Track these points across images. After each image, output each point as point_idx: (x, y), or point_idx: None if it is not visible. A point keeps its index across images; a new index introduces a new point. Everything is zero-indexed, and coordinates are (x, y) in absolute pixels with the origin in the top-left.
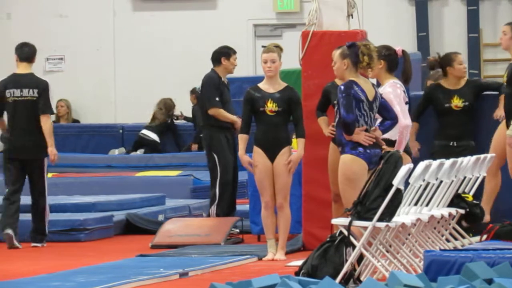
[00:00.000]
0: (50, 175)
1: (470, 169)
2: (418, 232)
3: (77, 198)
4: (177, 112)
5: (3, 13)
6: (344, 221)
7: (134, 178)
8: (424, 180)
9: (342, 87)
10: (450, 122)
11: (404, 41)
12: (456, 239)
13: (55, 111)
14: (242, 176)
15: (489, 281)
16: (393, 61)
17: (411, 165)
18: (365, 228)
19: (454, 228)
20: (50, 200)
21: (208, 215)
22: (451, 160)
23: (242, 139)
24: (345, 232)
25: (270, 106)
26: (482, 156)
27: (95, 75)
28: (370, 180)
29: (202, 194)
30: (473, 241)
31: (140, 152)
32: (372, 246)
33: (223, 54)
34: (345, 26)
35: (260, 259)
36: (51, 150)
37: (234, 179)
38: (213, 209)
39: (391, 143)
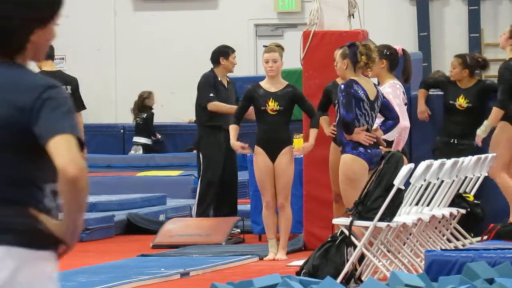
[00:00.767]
0: None
1: (471, 169)
2: (419, 232)
3: None
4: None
5: None
6: (345, 221)
7: (135, 178)
8: (425, 180)
9: (342, 86)
10: (453, 121)
11: (405, 41)
12: (457, 239)
13: None
14: (243, 176)
15: (490, 281)
16: (394, 60)
17: (412, 165)
18: (366, 228)
19: (455, 228)
20: None
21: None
22: (452, 160)
23: (233, 129)
24: (346, 232)
25: (272, 105)
26: (483, 156)
27: (96, 75)
28: (371, 180)
29: None
30: (474, 241)
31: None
32: (373, 246)
33: (221, 54)
34: (346, 26)
35: (261, 259)
36: None
37: (230, 178)
38: (194, 208)
39: (388, 143)
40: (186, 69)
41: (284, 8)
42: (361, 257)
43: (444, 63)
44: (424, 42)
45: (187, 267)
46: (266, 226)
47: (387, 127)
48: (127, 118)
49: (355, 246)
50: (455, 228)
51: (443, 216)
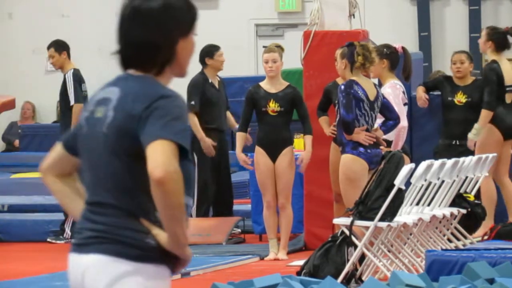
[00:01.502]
0: None
1: (472, 169)
2: (420, 232)
3: None
4: None
5: (4, 12)
6: (346, 221)
7: None
8: (425, 180)
9: (342, 87)
10: (453, 119)
11: (405, 41)
12: (457, 239)
13: (55, 111)
14: (243, 176)
15: (491, 281)
16: (395, 59)
17: (412, 165)
18: (367, 227)
19: (455, 228)
20: (53, 200)
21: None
22: (453, 159)
23: (240, 137)
24: (347, 232)
25: (272, 106)
26: (483, 156)
27: (97, 75)
28: (372, 180)
29: None
30: (475, 241)
31: None
32: (374, 246)
33: (206, 54)
34: (346, 26)
35: (262, 258)
36: None
37: (224, 179)
38: (193, 210)
39: (388, 143)
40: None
41: (285, 8)
42: (362, 257)
43: (445, 63)
44: (425, 42)
45: (188, 267)
46: (266, 226)
47: (387, 128)
48: None
49: (355, 246)
50: (455, 228)
51: (444, 216)
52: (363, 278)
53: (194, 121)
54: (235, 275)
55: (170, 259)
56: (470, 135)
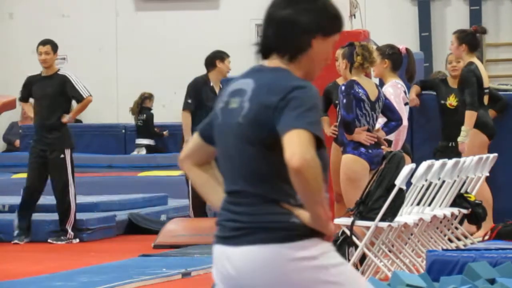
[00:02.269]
0: None
1: (473, 169)
2: (421, 232)
3: (79, 198)
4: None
5: (5, 13)
6: (347, 221)
7: (136, 178)
8: (426, 180)
9: (343, 87)
10: (447, 121)
11: (406, 41)
12: (458, 239)
13: None
14: None
15: (492, 281)
16: (397, 60)
17: (413, 165)
18: (368, 228)
19: (456, 228)
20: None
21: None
22: (454, 160)
23: None
24: (348, 232)
25: None
26: (484, 156)
27: (97, 75)
28: (373, 180)
29: None
30: (475, 241)
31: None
32: (375, 246)
33: (217, 57)
34: (347, 26)
35: None
36: None
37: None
38: (190, 210)
39: (389, 143)
40: (188, 69)
41: None
42: (363, 257)
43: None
44: (426, 42)
45: (189, 267)
46: None
47: (389, 129)
48: (129, 118)
49: (356, 246)
50: (456, 228)
51: (445, 216)
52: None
53: (187, 120)
54: None
55: (317, 233)
56: (459, 139)
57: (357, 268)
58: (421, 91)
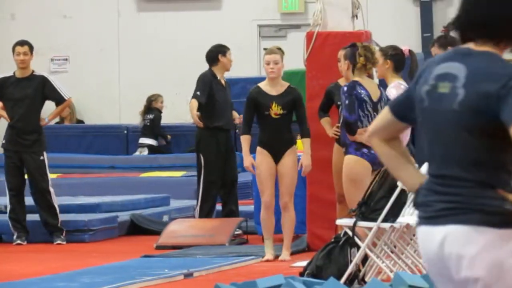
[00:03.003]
0: (54, 175)
1: None
2: None
3: (81, 199)
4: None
5: (7, 13)
6: (349, 221)
7: (138, 179)
8: None
9: (345, 88)
10: None
11: (408, 41)
12: None
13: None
14: (246, 177)
15: None
16: (400, 61)
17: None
18: (370, 228)
19: None
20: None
21: (193, 216)
22: None
23: (245, 140)
24: (350, 233)
25: (275, 109)
26: None
27: (99, 76)
28: (375, 180)
29: None
30: None
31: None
32: (377, 247)
33: (219, 52)
34: (349, 27)
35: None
36: None
37: (232, 179)
38: (196, 210)
39: None
40: (190, 69)
41: (288, 9)
42: (365, 258)
43: None
44: (428, 43)
45: (191, 268)
46: (263, 226)
47: None
48: (131, 119)
49: (358, 247)
50: None
51: None
52: (366, 279)
53: (193, 105)
54: (238, 276)
55: None
56: None
57: (359, 269)
58: None
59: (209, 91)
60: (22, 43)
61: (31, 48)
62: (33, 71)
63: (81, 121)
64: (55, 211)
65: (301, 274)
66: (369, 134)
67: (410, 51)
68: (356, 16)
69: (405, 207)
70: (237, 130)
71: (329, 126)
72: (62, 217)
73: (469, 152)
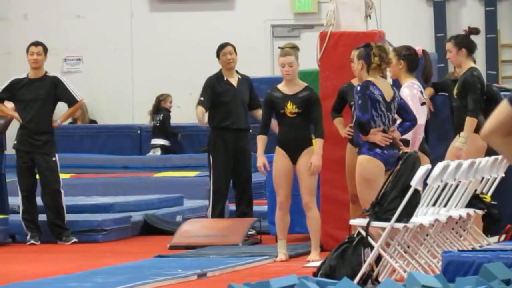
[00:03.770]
0: (68, 175)
1: (488, 170)
2: (436, 232)
3: (94, 199)
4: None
5: (20, 13)
6: (362, 222)
7: (152, 179)
8: (442, 181)
9: (358, 88)
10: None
11: (422, 41)
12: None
13: None
14: (259, 177)
15: (507, 282)
16: (413, 61)
17: (429, 166)
18: (383, 229)
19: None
20: (68, 201)
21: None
22: (469, 160)
23: (261, 140)
24: (363, 233)
25: (290, 108)
26: (500, 156)
27: (112, 76)
28: (388, 181)
29: None
30: (491, 241)
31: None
32: (390, 247)
33: (217, 53)
34: (363, 27)
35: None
36: None
37: (244, 179)
38: (209, 210)
39: (405, 143)
40: (203, 69)
41: (301, 9)
42: (378, 258)
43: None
44: (441, 43)
45: (204, 268)
46: (277, 227)
47: (404, 129)
48: (144, 119)
49: (372, 247)
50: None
51: (460, 217)
52: (379, 279)
53: (198, 111)
54: (251, 276)
55: None
56: (457, 144)
57: (372, 269)
58: (435, 93)
59: (212, 94)
60: (36, 43)
61: (45, 49)
62: (46, 72)
63: (94, 121)
64: (63, 213)
65: (315, 274)
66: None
67: (423, 51)
68: (369, 16)
69: (419, 207)
70: (250, 130)
71: (342, 126)
72: (75, 217)
73: None
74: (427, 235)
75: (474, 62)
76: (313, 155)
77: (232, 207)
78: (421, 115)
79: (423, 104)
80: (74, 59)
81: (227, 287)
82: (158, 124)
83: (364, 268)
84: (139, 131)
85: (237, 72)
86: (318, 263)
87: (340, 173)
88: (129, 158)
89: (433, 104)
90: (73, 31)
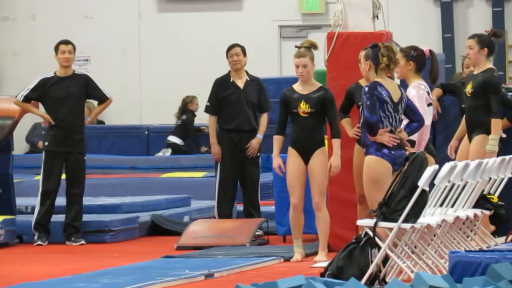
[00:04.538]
0: None
1: (496, 170)
2: (444, 233)
3: (102, 200)
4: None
5: (28, 14)
6: (370, 222)
7: (159, 180)
8: (449, 181)
9: (366, 88)
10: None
11: (429, 42)
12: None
13: None
14: (267, 177)
15: None
16: (422, 62)
17: (436, 166)
18: (391, 229)
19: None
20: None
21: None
22: (476, 161)
23: (277, 141)
24: (371, 233)
25: (303, 108)
26: (507, 157)
27: (120, 77)
28: (395, 181)
29: None
30: (499, 242)
31: (165, 153)
32: (398, 247)
33: (226, 55)
34: (370, 27)
35: (286, 260)
36: None
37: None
38: (215, 210)
39: (411, 143)
40: (211, 70)
41: (309, 9)
42: (386, 258)
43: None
44: (448, 44)
45: (212, 268)
46: (292, 227)
47: (411, 130)
48: (152, 120)
49: (379, 247)
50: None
51: (467, 218)
52: (386, 280)
53: (211, 122)
54: (258, 276)
55: None
56: (488, 147)
57: (379, 270)
58: (442, 94)
59: (220, 98)
60: (66, 42)
61: (74, 47)
62: (74, 70)
63: (102, 122)
64: (82, 213)
65: (322, 275)
66: None
67: (430, 51)
68: (377, 16)
69: (426, 208)
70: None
71: (349, 127)
72: (84, 217)
73: None
74: (434, 235)
75: None
76: (332, 157)
77: (240, 207)
78: (428, 116)
79: (429, 105)
80: (82, 60)
81: (235, 287)
82: (179, 124)
83: (371, 269)
84: (146, 132)
85: (247, 73)
86: (325, 264)
87: (348, 173)
88: (137, 159)
89: (441, 105)
90: (81, 31)
